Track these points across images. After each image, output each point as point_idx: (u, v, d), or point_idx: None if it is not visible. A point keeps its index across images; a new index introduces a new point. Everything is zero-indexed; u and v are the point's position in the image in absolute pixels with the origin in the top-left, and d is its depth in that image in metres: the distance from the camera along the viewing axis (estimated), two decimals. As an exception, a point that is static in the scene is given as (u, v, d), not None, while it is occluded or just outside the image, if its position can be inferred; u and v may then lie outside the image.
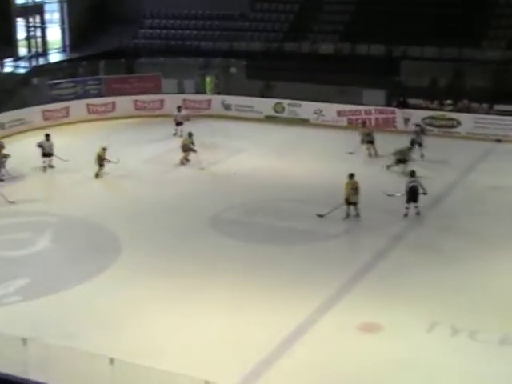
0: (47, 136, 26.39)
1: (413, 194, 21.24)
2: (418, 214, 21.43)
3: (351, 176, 21.33)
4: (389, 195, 22.10)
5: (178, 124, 29.95)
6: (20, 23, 37.16)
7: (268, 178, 25.09)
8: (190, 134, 26.60)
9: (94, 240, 20.48)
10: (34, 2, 38.49)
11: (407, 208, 21.31)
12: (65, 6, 39.97)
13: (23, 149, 26.84)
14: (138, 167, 26.30)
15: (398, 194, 21.68)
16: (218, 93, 34.73)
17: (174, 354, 14.47)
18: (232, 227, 21.28)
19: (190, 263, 18.74)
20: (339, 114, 32.11)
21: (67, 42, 40.06)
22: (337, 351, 14.71)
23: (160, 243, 20.04)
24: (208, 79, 35.42)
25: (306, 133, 30.96)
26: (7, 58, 36.30)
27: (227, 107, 33.65)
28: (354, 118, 31.71)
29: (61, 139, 28.35)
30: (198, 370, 12.65)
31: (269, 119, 32.82)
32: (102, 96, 33.69)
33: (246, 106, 33.38)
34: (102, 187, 24.57)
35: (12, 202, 22.72)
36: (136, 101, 33.65)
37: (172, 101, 33.40)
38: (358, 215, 21.27)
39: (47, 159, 26.18)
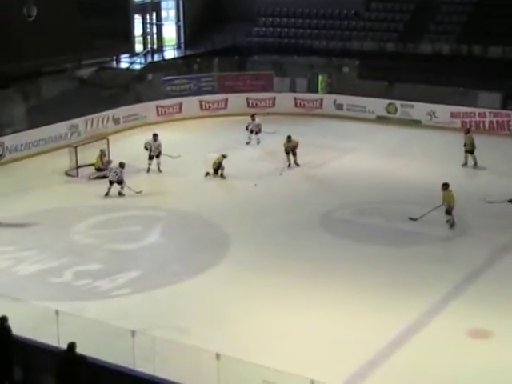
0: (155, 136, 25.95)
1: None
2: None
3: (446, 186, 20.59)
4: (489, 202, 21.42)
5: (252, 132, 28.97)
6: (137, 20, 37.93)
7: (378, 179, 24.71)
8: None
9: (203, 236, 20.64)
10: (152, 0, 39.23)
11: None
12: (181, 3, 40.59)
13: (136, 144, 27.28)
14: (249, 165, 26.36)
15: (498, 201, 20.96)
16: (330, 92, 34.46)
17: (278, 352, 14.39)
18: (340, 227, 21.08)
19: (298, 262, 18.65)
20: (452, 115, 31.30)
21: (182, 39, 40.66)
22: (445, 356, 14.33)
23: (269, 241, 20.03)
24: (320, 78, 35.19)
25: (418, 134, 30.34)
26: (124, 53, 37.15)
27: (339, 107, 33.35)
28: (467, 120, 30.88)
29: (173, 135, 28.83)
30: (301, 369, 12.49)
31: (380, 120, 32.35)
32: (214, 93, 33.97)
33: (357, 105, 32.99)
34: (212, 184, 24.73)
35: (139, 192, 23.33)
36: (248, 98, 33.77)
37: (284, 99, 33.47)
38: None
39: (153, 161, 25.73)
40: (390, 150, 27.96)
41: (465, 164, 25.77)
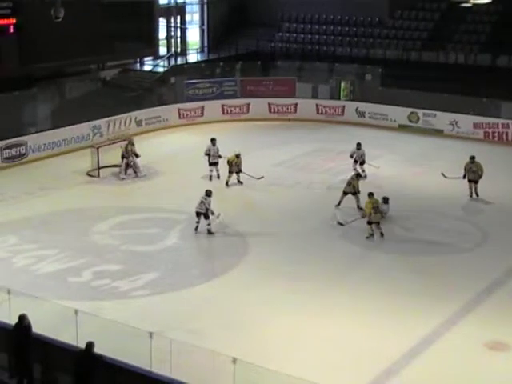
0: (213, 140, 25.18)
1: None
2: None
3: (370, 195, 20.54)
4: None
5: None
6: (161, 23, 38.08)
7: (398, 188, 24.64)
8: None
9: (222, 240, 20.67)
10: (176, 3, 39.40)
11: None
12: (205, 7, 40.76)
13: (158, 146, 27.43)
14: (270, 170, 26.38)
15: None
16: (353, 99, 34.44)
17: (295, 357, 14.41)
18: (360, 235, 21.01)
19: (317, 269, 18.66)
20: (475, 126, 31.16)
21: (206, 43, 40.81)
22: (462, 368, 14.28)
23: (288, 247, 20.05)
24: (343, 85, 35.19)
25: (440, 144, 30.24)
26: (147, 56, 37.32)
27: (361, 114, 33.33)
28: (490, 130, 30.75)
29: (194, 138, 28.92)
30: (318, 376, 12.52)
31: (402, 128, 32.27)
32: (236, 97, 34.06)
33: (379, 113, 32.93)
34: (232, 188, 24.75)
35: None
36: (270, 104, 33.81)
37: (306, 105, 33.48)
38: (382, 235, 20.48)
39: (214, 168, 25.05)
40: (411, 159, 27.91)
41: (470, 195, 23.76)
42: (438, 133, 31.59)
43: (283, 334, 15.40)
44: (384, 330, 15.60)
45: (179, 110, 32.77)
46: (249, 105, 33.72)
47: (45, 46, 28.60)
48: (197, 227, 20.65)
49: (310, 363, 14.14)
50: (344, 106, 33.80)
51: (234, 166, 24.49)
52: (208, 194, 20.67)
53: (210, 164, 25.24)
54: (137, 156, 25.72)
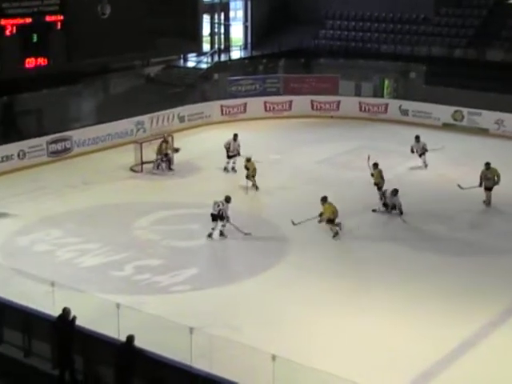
0: (235, 136, 25.81)
1: None
2: None
3: (324, 199, 20.44)
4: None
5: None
6: (205, 20, 38.23)
7: (441, 187, 24.44)
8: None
9: (263, 237, 20.67)
10: (220, 0, 39.51)
11: None
12: (249, 4, 40.80)
13: (200, 142, 27.54)
14: (311, 167, 26.35)
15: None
16: (396, 97, 34.19)
17: (334, 355, 14.39)
18: (401, 233, 20.91)
19: (357, 267, 18.65)
20: (522, 125, 30.77)
21: (249, 40, 40.86)
22: (504, 371, 14.12)
23: (328, 245, 20.02)
24: (386, 83, 34.96)
25: (486, 143, 29.83)
26: (191, 53, 37.51)
27: (404, 112, 33.06)
28: (537, 130, 30.37)
29: (237, 135, 28.90)
30: (356, 374, 12.48)
31: (446, 127, 31.95)
32: (279, 94, 34.04)
33: (423, 112, 32.64)
34: (273, 185, 24.71)
35: (247, 234, 20.50)
36: (313, 101, 33.74)
37: (349, 103, 33.33)
38: (336, 233, 20.33)
39: (231, 161, 25.77)
40: (455, 158, 27.60)
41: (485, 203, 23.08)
42: (483, 132, 31.20)
43: (322, 333, 15.37)
44: (423, 331, 15.48)
45: (222, 106, 32.88)
46: (291, 102, 33.68)
47: (91, 42, 28.92)
48: (211, 234, 20.17)
49: (348, 362, 14.12)
50: (387, 104, 33.58)
51: (251, 169, 24.00)
52: (227, 200, 20.14)
53: (229, 157, 25.77)
54: (176, 151, 25.93)
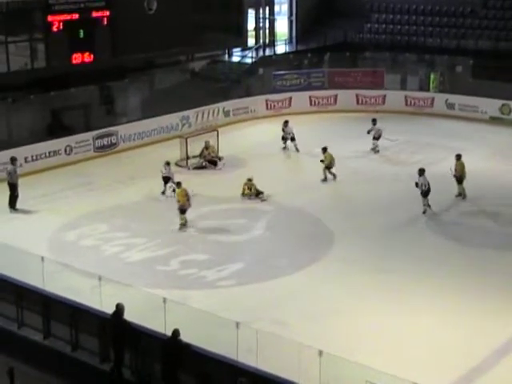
0: (285, 123, 27.59)
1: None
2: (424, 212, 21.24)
3: (179, 184, 21.15)
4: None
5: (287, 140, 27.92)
6: (250, 14, 38.20)
7: (489, 181, 24.15)
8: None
9: (308, 231, 20.69)
10: (265, -6, 39.48)
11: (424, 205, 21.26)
12: (294, -2, 40.68)
13: (245, 136, 27.57)
14: (356, 161, 26.21)
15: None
16: (442, 91, 33.80)
17: (380, 351, 14.33)
18: (448, 228, 20.74)
19: (402, 262, 18.49)
20: None
21: (294, 34, 40.72)
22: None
23: (373, 240, 19.91)
24: (432, 77, 34.56)
25: (533, 137, 29.41)
26: (236, 47, 37.52)
27: (450, 106, 32.69)
28: None
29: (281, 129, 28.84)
30: (403, 371, 12.36)
31: (493, 120, 31.51)
32: (324, 89, 33.89)
33: (470, 105, 32.23)
34: (319, 179, 24.67)
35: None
36: (358, 95, 33.53)
37: (394, 97, 33.08)
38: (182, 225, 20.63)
39: (287, 143, 27.48)
40: (502, 152, 27.23)
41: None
42: (531, 125, 30.74)
43: (368, 328, 15.30)
44: (471, 327, 15.35)
45: (267, 101, 32.86)
46: (336, 96, 33.52)
47: (136, 37, 29.08)
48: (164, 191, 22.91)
49: (395, 357, 14.04)
50: (433, 98, 33.22)
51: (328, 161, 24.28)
52: (168, 163, 23.25)
53: (283, 138, 27.60)
54: (219, 159, 26.00)
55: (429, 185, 21.44)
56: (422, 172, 21.68)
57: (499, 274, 17.82)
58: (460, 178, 22.70)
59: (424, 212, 21.39)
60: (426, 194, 21.51)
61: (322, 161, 24.29)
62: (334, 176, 24.32)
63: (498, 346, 14.54)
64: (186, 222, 20.71)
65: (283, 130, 27.62)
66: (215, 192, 23.59)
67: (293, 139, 27.33)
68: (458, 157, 23.05)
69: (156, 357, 13.40)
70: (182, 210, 20.70)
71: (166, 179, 23.10)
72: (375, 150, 27.30)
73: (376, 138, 27.31)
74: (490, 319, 15.64)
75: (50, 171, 25.31)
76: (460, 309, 16.15)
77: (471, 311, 16.03)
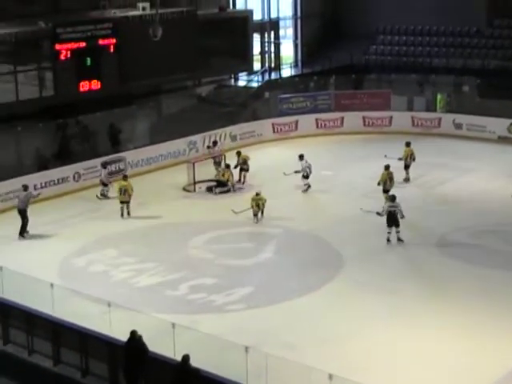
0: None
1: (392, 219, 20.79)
2: (399, 239, 20.89)
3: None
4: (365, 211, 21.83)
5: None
6: (255, 39, 38.37)
7: (498, 201, 24.07)
8: None
9: (316, 254, 20.67)
10: (270, 19, 39.66)
11: (389, 233, 20.84)
12: (299, 22, 40.83)
13: (252, 160, 27.50)
14: (364, 183, 26.18)
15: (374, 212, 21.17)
16: (449, 111, 33.82)
17: (391, 374, 14.23)
18: (458, 249, 20.65)
19: (412, 283, 18.44)
20: None
21: (299, 57, 40.89)
22: None
23: (383, 261, 19.89)
24: (439, 97, 34.61)
25: (542, 156, 29.34)
26: (242, 72, 37.70)
27: (458, 126, 32.66)
28: None
29: (289, 152, 28.93)
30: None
31: (502, 140, 31.46)
32: (330, 111, 33.95)
33: (477, 125, 32.18)
34: (326, 202, 24.72)
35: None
36: (364, 117, 33.59)
37: (401, 118, 33.09)
38: None
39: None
40: (511, 172, 27.16)
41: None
42: (540, 145, 30.66)
43: (379, 350, 15.23)
44: (482, 347, 15.24)
45: (273, 124, 32.94)
46: (343, 118, 33.57)
47: (143, 64, 29.27)
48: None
49: (406, 381, 13.93)
50: (440, 118, 33.22)
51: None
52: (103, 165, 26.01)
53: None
54: (232, 186, 26.04)
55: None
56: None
57: (506, 294, 17.72)
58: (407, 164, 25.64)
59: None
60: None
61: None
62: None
63: (508, 367, 14.36)
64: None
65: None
66: (223, 216, 23.58)
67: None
68: (408, 144, 26.14)
69: (166, 382, 13.36)
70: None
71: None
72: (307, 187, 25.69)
73: (305, 177, 25.57)
74: (498, 340, 15.53)
75: (59, 198, 25.39)
76: (469, 329, 16.07)
77: (479, 331, 15.94)
